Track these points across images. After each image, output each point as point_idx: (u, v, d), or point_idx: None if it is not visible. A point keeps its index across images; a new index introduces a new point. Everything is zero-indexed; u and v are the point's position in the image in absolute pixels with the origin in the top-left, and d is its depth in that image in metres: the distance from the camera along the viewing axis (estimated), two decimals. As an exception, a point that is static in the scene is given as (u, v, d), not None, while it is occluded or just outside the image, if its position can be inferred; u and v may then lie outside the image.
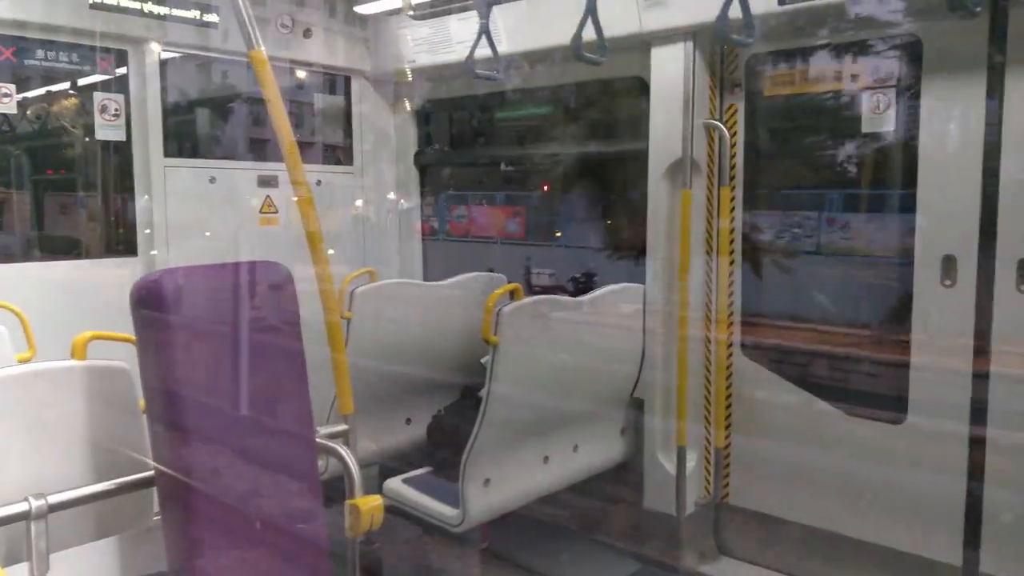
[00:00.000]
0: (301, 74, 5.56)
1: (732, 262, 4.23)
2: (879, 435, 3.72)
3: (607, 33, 3.57)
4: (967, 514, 3.47)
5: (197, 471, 2.14)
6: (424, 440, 4.37)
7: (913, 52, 3.57)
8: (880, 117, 3.72)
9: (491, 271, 5.12)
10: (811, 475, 3.95)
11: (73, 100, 4.69)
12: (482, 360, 3.66)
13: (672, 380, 4.16)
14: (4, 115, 4.32)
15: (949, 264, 3.45)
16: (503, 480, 3.70)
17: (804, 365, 4.18)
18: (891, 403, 3.72)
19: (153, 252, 4.68)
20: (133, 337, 2.23)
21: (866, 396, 3.93)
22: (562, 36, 3.57)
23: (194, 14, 4.72)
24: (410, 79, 5.40)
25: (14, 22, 4.16)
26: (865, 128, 3.79)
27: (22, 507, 2.01)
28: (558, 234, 6.11)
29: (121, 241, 4.79)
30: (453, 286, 4.77)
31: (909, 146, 3.63)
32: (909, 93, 3.62)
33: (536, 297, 3.85)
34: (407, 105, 5.71)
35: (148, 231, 4.69)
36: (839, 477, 3.84)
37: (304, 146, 5.77)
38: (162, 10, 4.60)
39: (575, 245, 5.99)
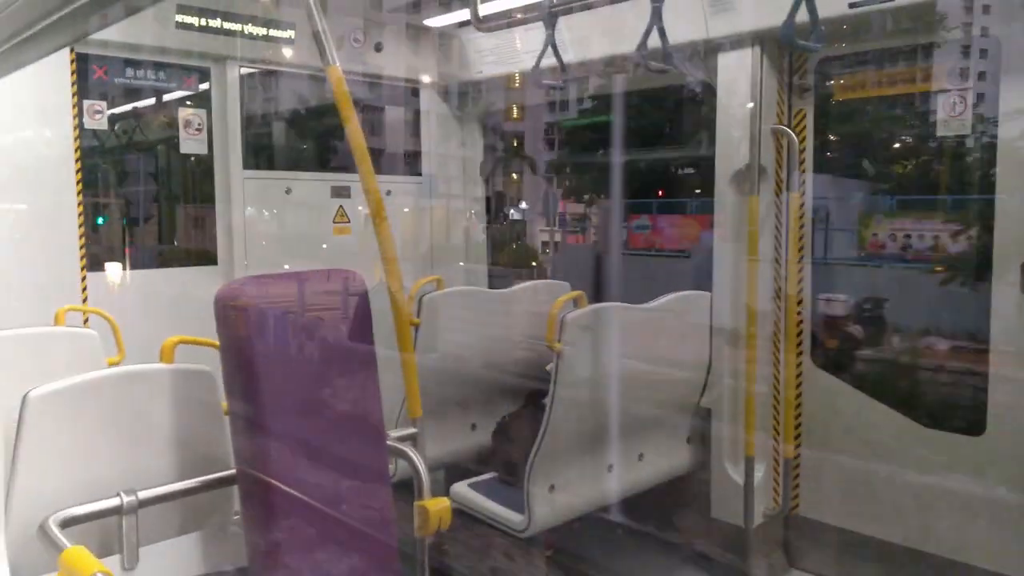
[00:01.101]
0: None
1: (801, 269, 4.16)
2: (957, 447, 3.60)
3: (672, 39, 3.57)
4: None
5: (276, 470, 2.24)
6: (489, 445, 4.42)
7: (992, 53, 3.46)
8: (957, 120, 3.62)
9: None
10: (885, 487, 3.84)
11: (160, 116, 4.93)
12: (547, 367, 3.69)
13: (740, 388, 4.11)
14: (93, 131, 4.56)
15: (1031, 271, 3.32)
16: (568, 487, 3.71)
17: (879, 375, 4.07)
18: (968, 413, 3.60)
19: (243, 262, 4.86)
20: (216, 342, 2.34)
21: (942, 406, 3.81)
22: (629, 44, 3.58)
23: (273, 32, 4.92)
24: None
25: (105, 42, 4.40)
26: (940, 131, 3.69)
27: (114, 502, 2.13)
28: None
29: (202, 251, 5.01)
30: (518, 293, 4.82)
31: (987, 148, 3.51)
32: (987, 95, 3.51)
33: (599, 304, 3.86)
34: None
35: (228, 241, 4.89)
36: (914, 490, 3.73)
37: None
38: (243, 28, 4.81)
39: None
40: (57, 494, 2.09)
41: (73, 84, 4.29)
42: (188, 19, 4.58)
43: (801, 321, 4.16)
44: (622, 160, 5.70)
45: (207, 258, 4.93)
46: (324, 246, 5.28)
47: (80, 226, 4.28)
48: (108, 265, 4.38)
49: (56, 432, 2.21)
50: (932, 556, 3.64)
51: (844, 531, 3.99)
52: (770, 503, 4.20)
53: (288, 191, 5.17)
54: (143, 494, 2.16)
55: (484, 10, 4.19)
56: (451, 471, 4.45)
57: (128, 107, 4.93)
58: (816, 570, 4.16)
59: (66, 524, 1.99)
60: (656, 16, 3.49)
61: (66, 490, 2.13)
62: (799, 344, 4.13)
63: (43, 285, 4.05)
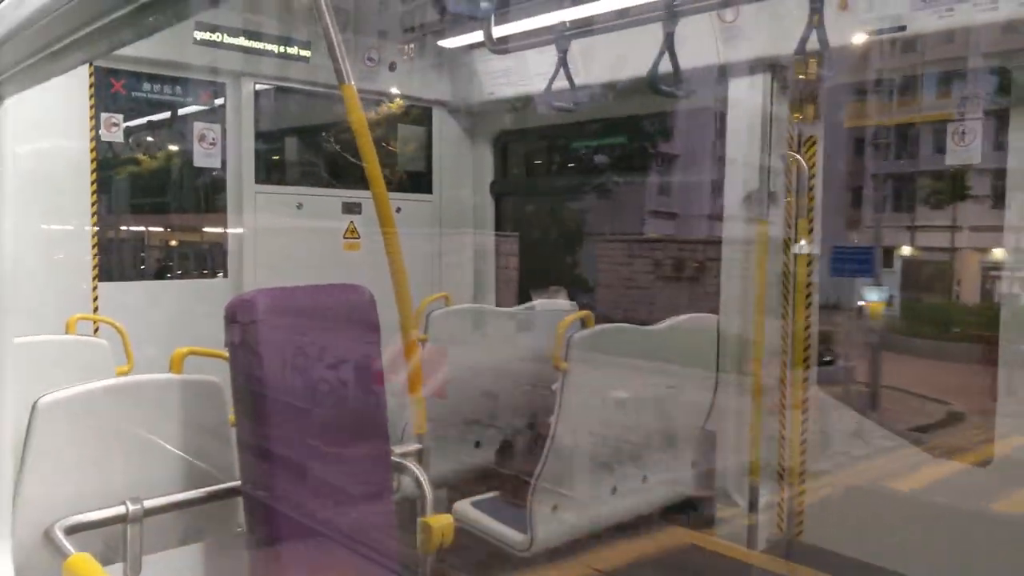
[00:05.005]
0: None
1: (809, 294, 4.16)
2: (964, 477, 3.57)
3: (684, 65, 3.60)
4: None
5: (280, 483, 2.24)
6: (492, 464, 4.41)
7: (1002, 82, 3.48)
8: (965, 149, 3.63)
9: None
10: (890, 516, 3.81)
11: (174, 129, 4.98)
12: (552, 386, 3.68)
13: (745, 413, 4.10)
14: (109, 143, 4.61)
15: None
16: (571, 508, 3.69)
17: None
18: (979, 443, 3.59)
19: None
20: (225, 353, 2.36)
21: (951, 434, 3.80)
22: (641, 68, 3.62)
23: (289, 50, 4.98)
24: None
25: (126, 57, 4.46)
26: (949, 160, 3.70)
27: (120, 510, 2.13)
28: None
29: (212, 263, 5.05)
30: (525, 312, 4.83)
31: (997, 178, 3.52)
32: (997, 124, 3.53)
33: (606, 325, 3.86)
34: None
35: (238, 254, 4.92)
36: (920, 519, 3.70)
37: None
38: (260, 46, 4.87)
39: None
40: (64, 501, 2.10)
41: (91, 97, 4.35)
42: (206, 35, 4.65)
43: (809, 347, 4.15)
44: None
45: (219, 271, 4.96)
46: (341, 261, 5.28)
47: (93, 236, 4.33)
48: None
49: (64, 440, 2.23)
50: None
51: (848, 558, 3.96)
52: (774, 528, 4.17)
53: (299, 206, 5.21)
54: (148, 503, 2.17)
55: (498, 32, 4.24)
56: (453, 490, 4.43)
57: (143, 121, 4.98)
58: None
59: (71, 531, 2.00)
60: (668, 41, 3.53)
61: (73, 497, 2.14)
62: (806, 369, 4.12)
63: (57, 294, 4.08)
